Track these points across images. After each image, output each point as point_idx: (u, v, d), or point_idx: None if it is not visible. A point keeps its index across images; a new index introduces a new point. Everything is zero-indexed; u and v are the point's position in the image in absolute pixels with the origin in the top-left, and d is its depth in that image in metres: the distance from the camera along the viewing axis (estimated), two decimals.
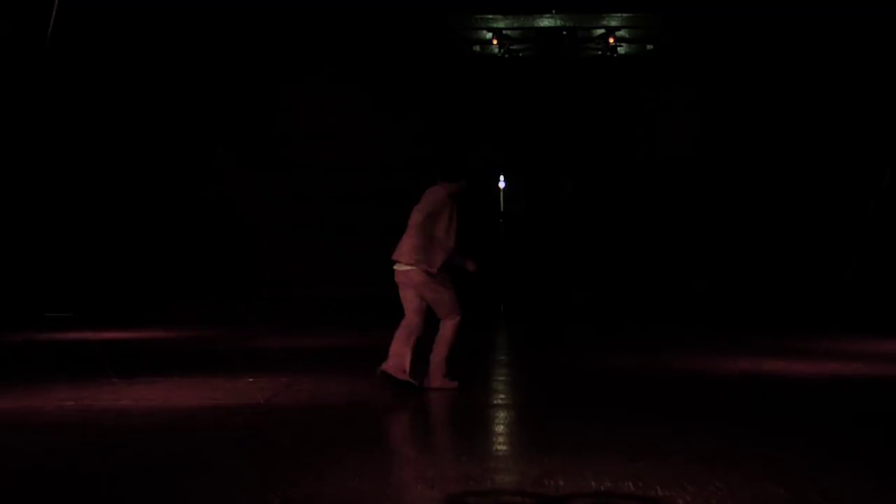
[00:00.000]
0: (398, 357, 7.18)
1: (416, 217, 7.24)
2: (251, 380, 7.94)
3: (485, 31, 17.74)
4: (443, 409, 6.96)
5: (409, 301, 7.29)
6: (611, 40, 17.44)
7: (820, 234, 17.21)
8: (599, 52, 17.78)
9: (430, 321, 7.39)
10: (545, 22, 17.66)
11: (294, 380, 8.01)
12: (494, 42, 17.67)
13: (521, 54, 17.93)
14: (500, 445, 5.57)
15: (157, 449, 5.43)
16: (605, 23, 17.54)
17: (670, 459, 4.97)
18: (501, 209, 18.52)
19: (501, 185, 18.40)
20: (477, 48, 18.02)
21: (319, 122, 18.25)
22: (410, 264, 7.19)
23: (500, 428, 6.16)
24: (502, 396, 7.48)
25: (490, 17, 17.49)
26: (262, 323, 13.35)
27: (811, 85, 17.30)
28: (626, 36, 17.74)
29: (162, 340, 12.04)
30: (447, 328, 7.31)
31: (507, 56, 17.93)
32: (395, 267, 7.30)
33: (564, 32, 17.65)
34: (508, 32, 17.74)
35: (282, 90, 18.21)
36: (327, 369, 8.83)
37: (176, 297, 17.19)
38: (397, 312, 7.37)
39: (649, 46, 17.83)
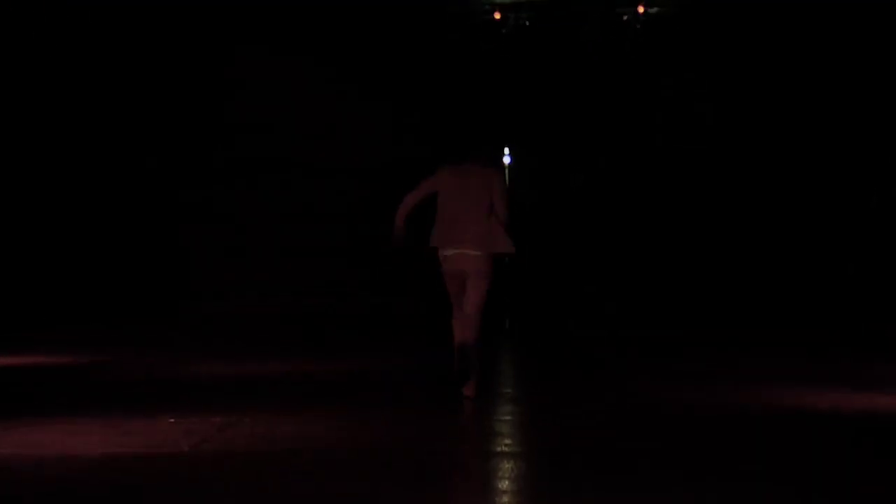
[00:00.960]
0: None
1: (500, 205, 8.62)
2: (172, 420, 7.92)
3: (487, 8, 20.08)
4: (429, 459, 6.85)
5: (461, 289, 8.69)
6: (640, 9, 19.57)
7: (826, 230, 19.15)
8: (625, 17, 19.76)
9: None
10: None
11: (230, 420, 7.97)
12: (497, 16, 19.97)
13: (527, 23, 20.06)
14: None
15: None
16: None
17: None
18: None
19: (507, 160, 19.82)
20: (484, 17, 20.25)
21: (319, 121, 20.92)
22: (480, 250, 8.59)
23: (503, 484, 6.08)
24: (507, 442, 7.47)
25: None
26: (194, 344, 13.53)
27: (837, 80, 19.10)
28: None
29: (56, 368, 12.04)
30: (477, 317, 8.64)
31: (511, 27, 20.02)
32: (457, 251, 8.58)
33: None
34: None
35: (273, 85, 20.96)
36: (275, 405, 8.86)
37: (75, 315, 17.93)
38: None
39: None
